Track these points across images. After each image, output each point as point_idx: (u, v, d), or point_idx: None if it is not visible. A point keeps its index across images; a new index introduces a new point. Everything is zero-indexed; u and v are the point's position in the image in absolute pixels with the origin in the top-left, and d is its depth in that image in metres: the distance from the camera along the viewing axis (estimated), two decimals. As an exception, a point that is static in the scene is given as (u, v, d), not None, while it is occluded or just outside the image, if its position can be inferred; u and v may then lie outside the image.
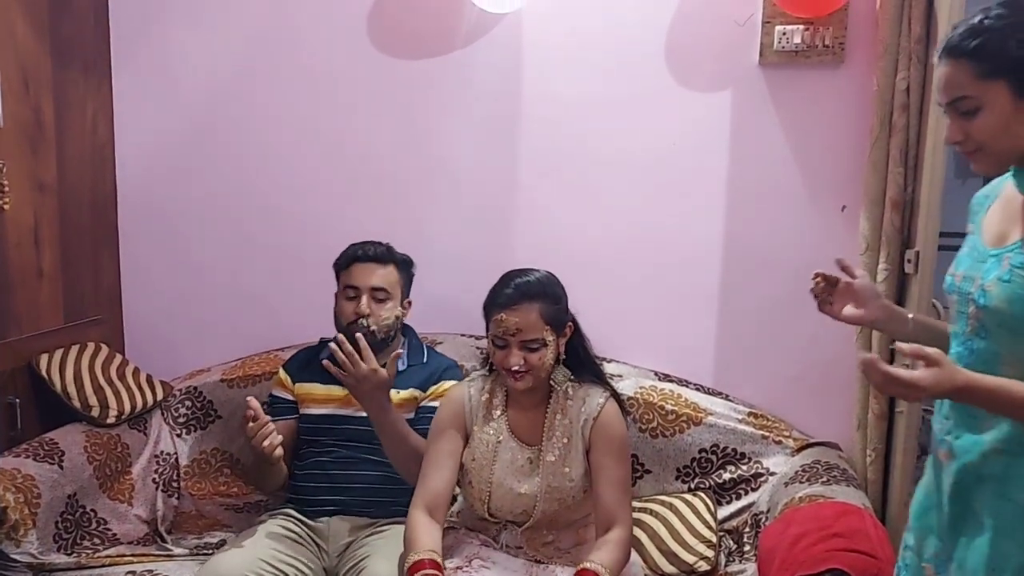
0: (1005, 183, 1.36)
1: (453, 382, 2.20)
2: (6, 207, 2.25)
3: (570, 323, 1.90)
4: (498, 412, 1.94)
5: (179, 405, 2.54)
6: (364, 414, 2.07)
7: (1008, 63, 1.23)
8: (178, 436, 2.52)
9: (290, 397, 2.29)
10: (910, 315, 1.58)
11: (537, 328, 1.81)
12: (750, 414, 2.38)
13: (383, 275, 2.23)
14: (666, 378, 2.45)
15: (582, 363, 1.94)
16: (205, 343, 2.72)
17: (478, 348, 2.47)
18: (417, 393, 2.23)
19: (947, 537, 1.36)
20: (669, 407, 2.34)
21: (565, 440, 1.88)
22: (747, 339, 2.46)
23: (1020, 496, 1.27)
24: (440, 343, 2.51)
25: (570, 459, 1.87)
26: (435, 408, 2.11)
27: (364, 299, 2.19)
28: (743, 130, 2.41)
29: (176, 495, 2.46)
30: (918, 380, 1.22)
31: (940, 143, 2.05)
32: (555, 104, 2.50)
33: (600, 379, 1.95)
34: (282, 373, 2.34)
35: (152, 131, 2.70)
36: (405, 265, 2.29)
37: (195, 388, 2.55)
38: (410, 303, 2.30)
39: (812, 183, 2.40)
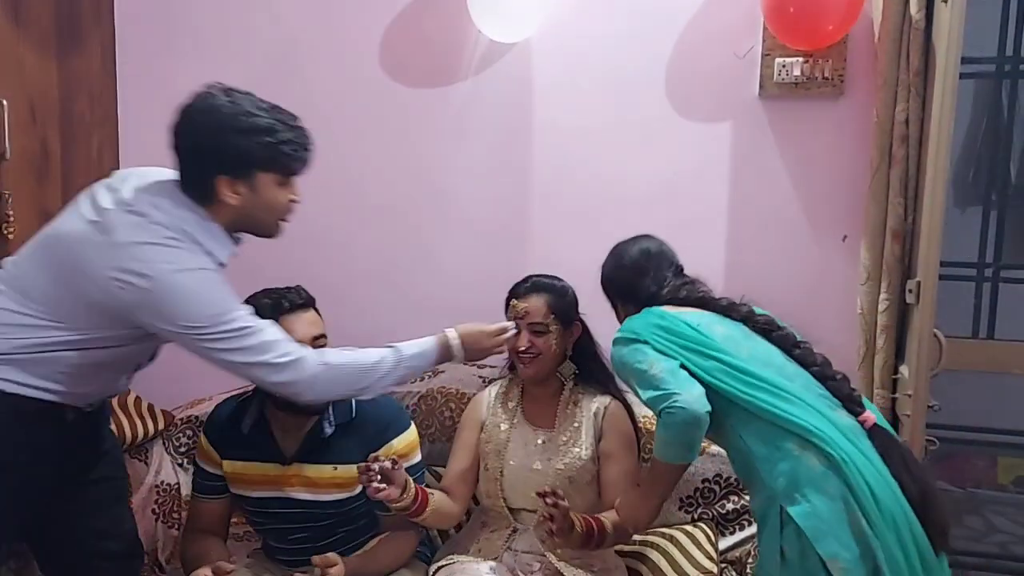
0: None
1: (409, 434, 2.05)
2: (11, 236, 2.27)
3: (577, 322, 2.11)
4: (513, 403, 2.14)
5: (180, 435, 2.53)
6: (308, 496, 1.97)
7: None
8: (179, 466, 2.51)
9: (218, 472, 2.04)
10: None
11: (542, 314, 2.04)
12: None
13: (317, 320, 1.96)
14: (668, 407, 2.45)
15: (591, 369, 2.13)
16: (206, 372, 2.64)
17: (480, 376, 2.47)
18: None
19: None
20: (672, 437, 2.34)
21: (576, 425, 2.07)
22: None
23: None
24: (442, 371, 2.51)
25: (580, 441, 2.05)
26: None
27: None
28: (744, 161, 2.43)
29: (176, 525, 2.44)
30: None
31: (940, 173, 2.07)
32: (562, 133, 2.52)
33: (608, 387, 2.12)
34: (204, 442, 2.06)
35: (157, 160, 2.70)
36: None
37: (196, 417, 2.55)
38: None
39: (813, 213, 2.41)
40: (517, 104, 2.53)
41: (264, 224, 1.77)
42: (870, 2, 2.26)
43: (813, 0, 2.21)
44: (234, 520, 2.22)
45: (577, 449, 2.04)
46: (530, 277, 2.12)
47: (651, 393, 1.66)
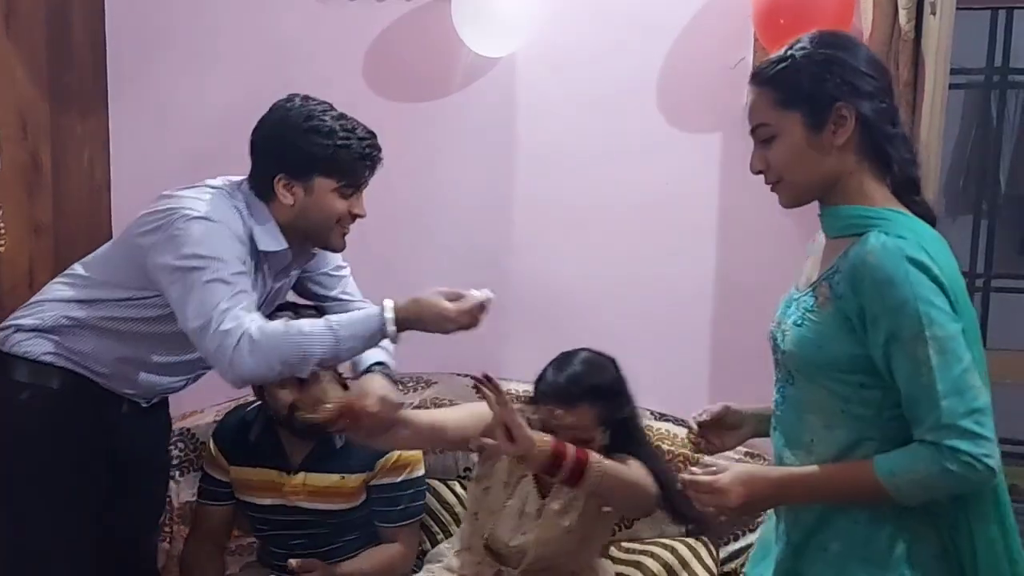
0: None
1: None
2: (2, 250, 2.26)
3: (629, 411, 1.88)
4: None
5: (172, 447, 2.51)
6: (310, 504, 2.03)
7: (802, 95, 1.27)
8: (171, 478, 2.49)
9: (225, 479, 2.12)
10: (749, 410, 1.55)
11: (587, 428, 1.78)
12: (747, 453, 2.36)
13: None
14: (662, 417, 2.44)
15: (625, 449, 1.86)
16: (198, 384, 2.68)
17: (474, 388, 2.46)
18: (367, 475, 2.07)
19: None
20: (666, 447, 2.33)
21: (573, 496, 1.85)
22: (741, 378, 2.45)
23: (834, 546, 1.28)
24: (435, 383, 2.50)
25: (572, 507, 1.86)
26: (394, 484, 2.08)
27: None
28: (734, 171, 2.42)
29: (168, 539, 2.43)
30: (714, 482, 1.23)
31: (930, 183, 2.08)
32: (549, 146, 2.52)
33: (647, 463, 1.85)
34: (213, 449, 2.13)
35: (148, 173, 2.71)
36: None
37: (188, 430, 2.53)
38: None
39: (804, 224, 2.38)
40: (504, 117, 2.53)
41: (318, 231, 1.74)
42: (859, 13, 2.27)
43: (803, 11, 2.22)
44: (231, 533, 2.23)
45: (567, 523, 1.85)
46: (575, 371, 1.80)
47: (955, 407, 1.19)
